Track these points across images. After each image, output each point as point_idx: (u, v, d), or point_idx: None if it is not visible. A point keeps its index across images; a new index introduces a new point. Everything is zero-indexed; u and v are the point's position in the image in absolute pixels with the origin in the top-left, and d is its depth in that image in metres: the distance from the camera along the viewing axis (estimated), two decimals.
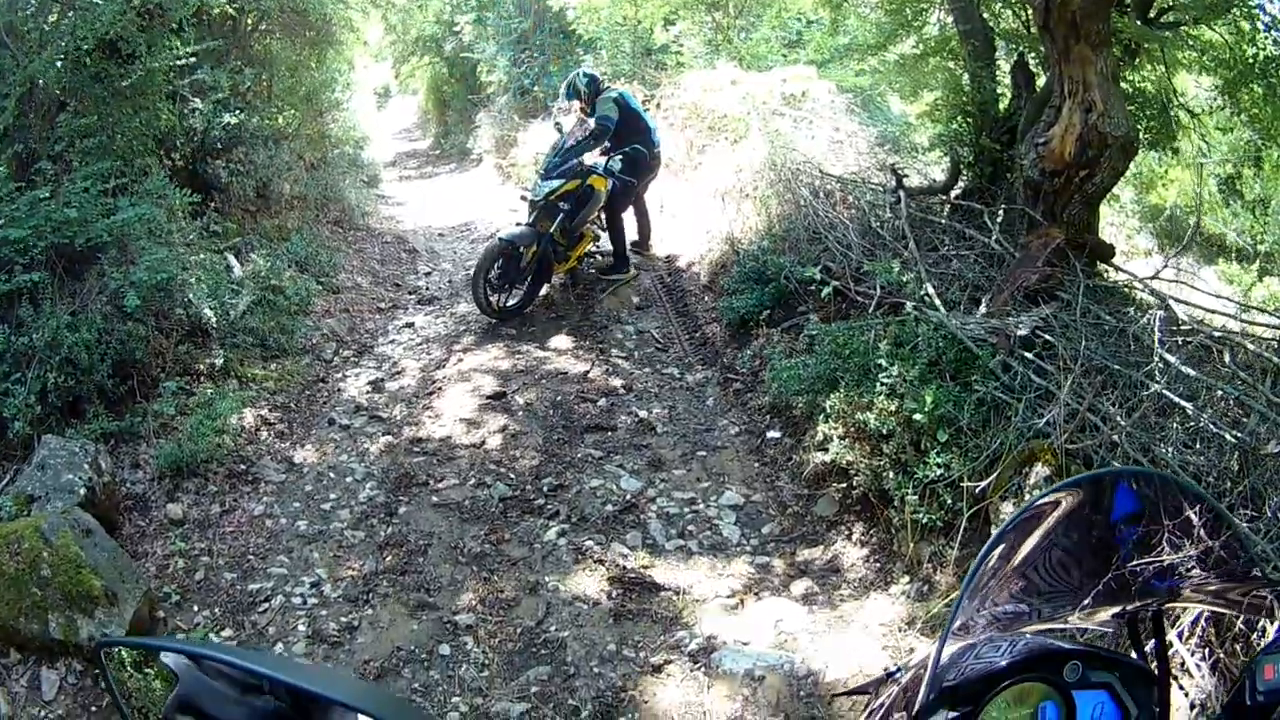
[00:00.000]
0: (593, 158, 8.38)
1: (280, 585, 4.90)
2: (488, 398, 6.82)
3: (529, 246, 8.04)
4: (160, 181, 7.27)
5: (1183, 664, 3.04)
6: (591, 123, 8.45)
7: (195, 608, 4.69)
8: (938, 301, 5.56)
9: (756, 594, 4.75)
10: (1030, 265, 5.48)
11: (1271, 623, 2.23)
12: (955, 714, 1.33)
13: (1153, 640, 1.52)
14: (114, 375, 5.80)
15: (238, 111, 8.88)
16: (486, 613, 4.63)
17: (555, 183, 8.10)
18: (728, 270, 8.33)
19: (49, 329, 5.39)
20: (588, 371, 7.28)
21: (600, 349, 7.74)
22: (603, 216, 9.15)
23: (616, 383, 7.11)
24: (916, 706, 1.28)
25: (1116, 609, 1.49)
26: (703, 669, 4.14)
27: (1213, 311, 5.48)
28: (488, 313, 8.13)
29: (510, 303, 8.31)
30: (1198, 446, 3.98)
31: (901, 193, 7.19)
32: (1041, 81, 6.65)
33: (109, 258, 6.12)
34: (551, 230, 8.09)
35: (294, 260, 9.03)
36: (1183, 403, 4.13)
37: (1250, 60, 6.00)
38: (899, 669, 1.58)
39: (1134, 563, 1.43)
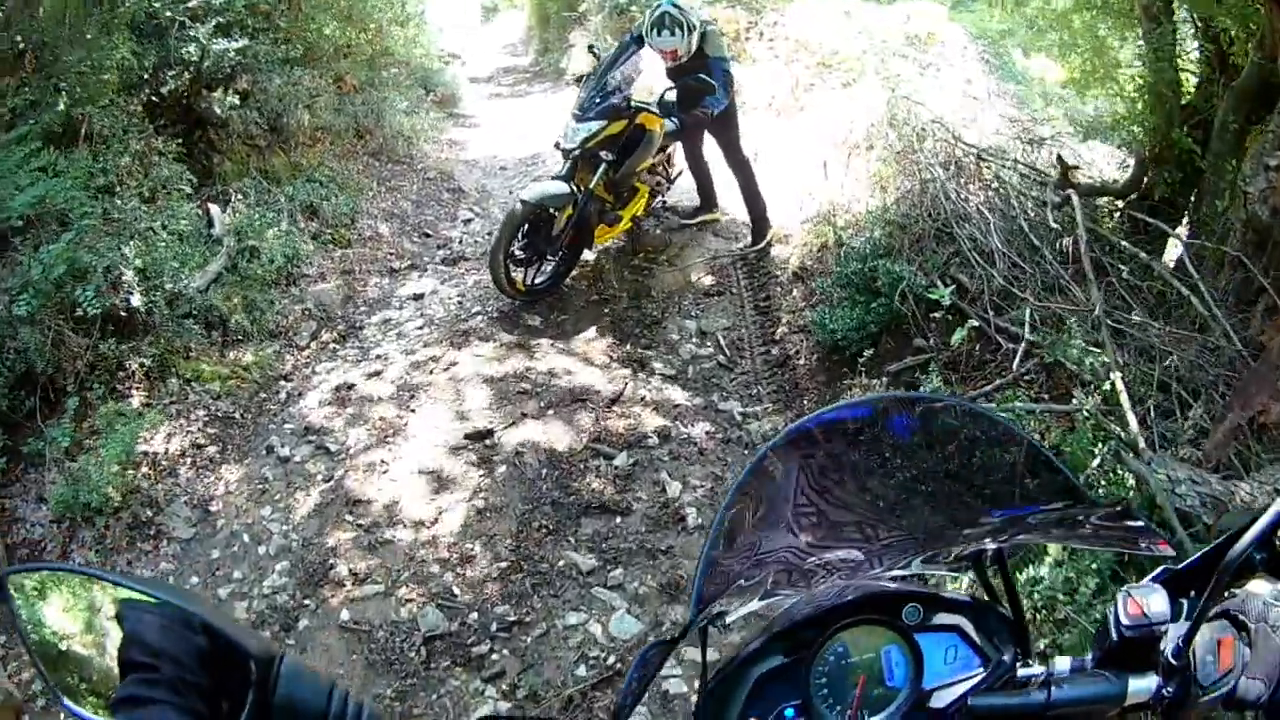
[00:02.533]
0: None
1: None
2: (468, 437, 4.87)
3: (562, 208, 6.06)
4: (119, 125, 6.17)
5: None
6: (670, 47, 6.26)
7: None
8: (1131, 419, 3.38)
9: None
10: (1269, 384, 3.19)
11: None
12: (789, 659, 1.24)
13: (1000, 579, 1.31)
14: (13, 390, 4.92)
15: (243, 35, 7.18)
16: None
17: (593, 125, 6.00)
18: (825, 261, 6.06)
19: None
20: (616, 397, 5.20)
21: (642, 358, 5.64)
22: (678, 158, 7.22)
23: (650, 421, 5.00)
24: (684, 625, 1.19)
25: (958, 550, 1.35)
26: None
27: None
28: (509, 294, 6.17)
29: (538, 280, 6.32)
30: None
31: (1075, 197, 4.79)
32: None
33: (44, 234, 5.27)
34: (592, 185, 6.12)
35: (299, 206, 7.22)
36: None
37: None
38: None
39: (956, 494, 1.37)
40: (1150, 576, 1.19)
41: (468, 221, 8.01)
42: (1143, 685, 1.11)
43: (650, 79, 6.42)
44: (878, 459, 1.39)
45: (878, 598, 1.29)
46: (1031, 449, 1.37)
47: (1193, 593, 1.13)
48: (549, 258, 6.25)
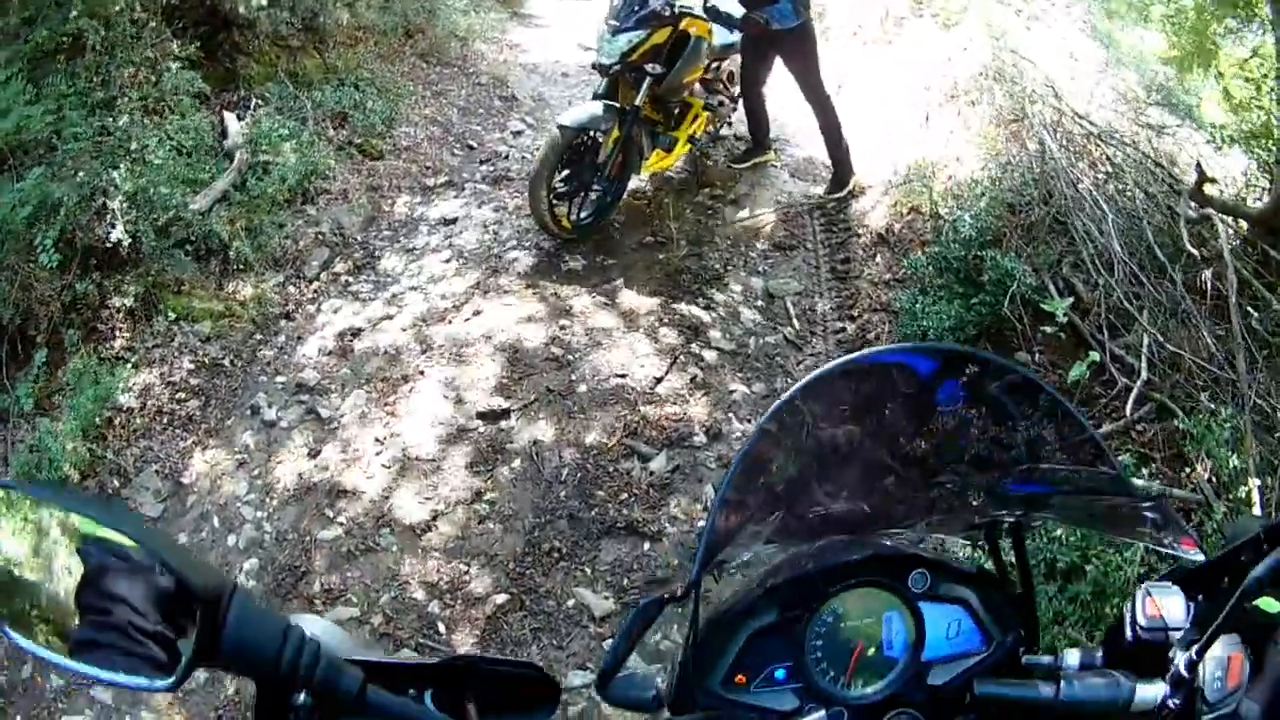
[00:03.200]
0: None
1: None
2: (480, 416, 4.08)
3: (607, 132, 5.14)
4: (126, 32, 5.41)
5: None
6: None
7: None
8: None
9: None
10: None
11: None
12: (784, 617, 1.15)
13: (1014, 555, 1.27)
14: None
15: None
16: None
17: (634, 35, 5.07)
18: (917, 228, 5.07)
19: None
20: (661, 378, 4.31)
21: (696, 324, 4.71)
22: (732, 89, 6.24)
23: (698, 412, 4.11)
24: (689, 579, 1.06)
25: (971, 518, 1.29)
26: None
27: None
28: (553, 232, 5.32)
29: (583, 215, 5.43)
30: None
31: (1220, 223, 3.85)
32: None
33: (31, 161, 4.80)
34: (638, 102, 5.16)
35: (327, 113, 6.38)
36: None
37: None
38: None
39: (980, 461, 1.23)
40: (1167, 573, 1.11)
41: (518, 134, 7.07)
42: (1149, 694, 1.04)
43: None
44: (913, 416, 1.23)
45: (883, 559, 1.20)
46: (1080, 429, 1.20)
47: (1201, 596, 1.06)
48: (594, 188, 5.37)
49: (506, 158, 6.62)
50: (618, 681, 1.09)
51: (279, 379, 4.61)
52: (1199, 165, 4.06)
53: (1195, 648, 0.99)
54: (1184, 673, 1.00)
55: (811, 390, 1.17)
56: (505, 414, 4.07)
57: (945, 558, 1.25)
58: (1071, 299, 3.94)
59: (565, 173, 5.21)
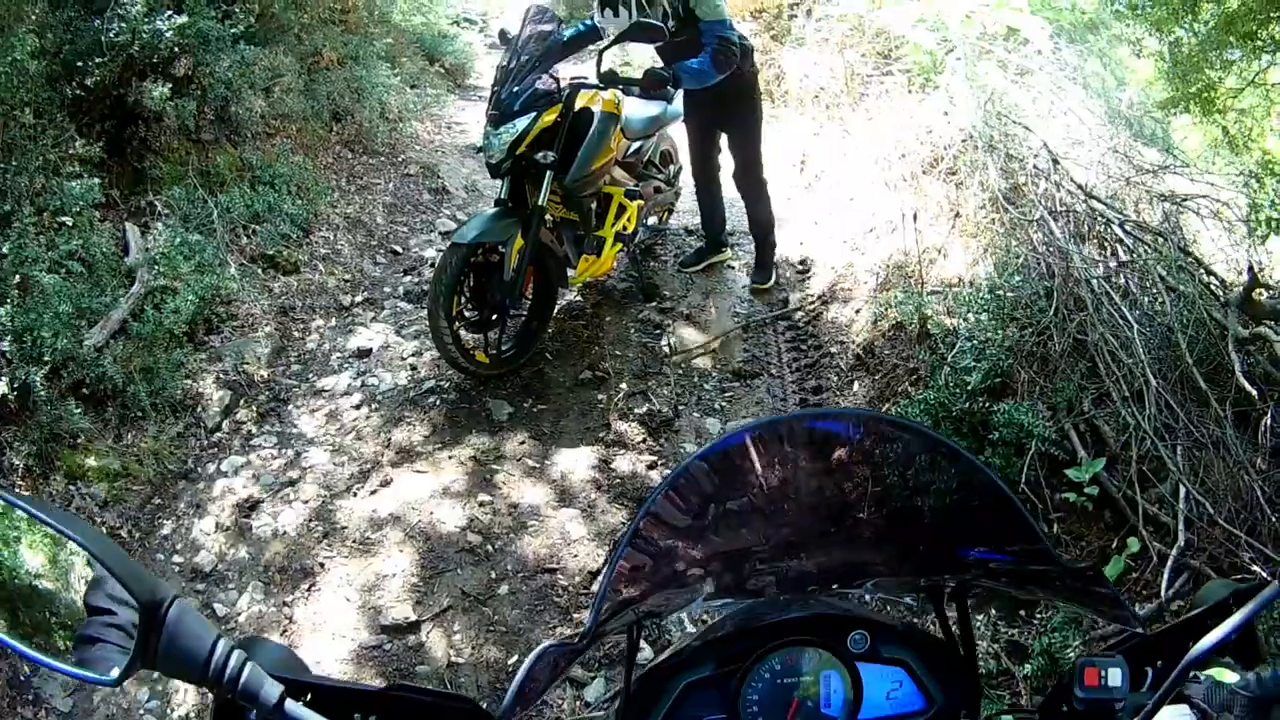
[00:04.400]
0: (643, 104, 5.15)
1: None
2: (385, 630, 3.58)
3: (510, 242, 4.58)
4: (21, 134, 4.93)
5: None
6: (620, 28, 4.69)
7: None
8: None
9: None
10: None
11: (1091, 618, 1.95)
12: (720, 671, 1.18)
13: (957, 621, 1.28)
14: None
15: (183, 9, 5.71)
16: None
17: (517, 122, 4.52)
18: (901, 348, 4.64)
19: None
20: (597, 572, 3.82)
21: (643, 491, 4.24)
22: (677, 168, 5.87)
23: None
24: (586, 629, 1.06)
25: (916, 580, 1.36)
26: None
27: None
28: (465, 369, 4.78)
29: (504, 347, 4.91)
30: None
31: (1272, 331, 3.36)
32: None
33: None
34: (541, 201, 4.61)
35: (238, 219, 5.86)
36: None
37: None
38: None
39: (923, 525, 1.27)
40: (1115, 642, 1.11)
41: (446, 234, 6.60)
42: None
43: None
44: (845, 475, 1.24)
45: (823, 618, 1.22)
46: (1008, 504, 1.19)
47: (1160, 663, 1.06)
48: (512, 312, 4.83)
49: (432, 265, 6.13)
50: None
51: (175, 559, 4.06)
52: (1251, 269, 3.53)
53: (1138, 718, 0.97)
54: None
55: (717, 454, 1.17)
56: (415, 626, 3.56)
57: (886, 618, 1.24)
58: (1100, 460, 3.45)
59: (471, 296, 4.70)
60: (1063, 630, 3.01)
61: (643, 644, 3.31)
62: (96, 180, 5.18)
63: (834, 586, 1.32)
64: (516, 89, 4.54)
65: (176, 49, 5.66)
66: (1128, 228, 4.28)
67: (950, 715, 1.20)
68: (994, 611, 3.31)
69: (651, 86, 4.52)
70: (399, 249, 6.38)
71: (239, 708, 0.89)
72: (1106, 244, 4.39)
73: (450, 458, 4.40)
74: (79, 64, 5.36)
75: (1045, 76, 5.99)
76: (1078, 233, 4.34)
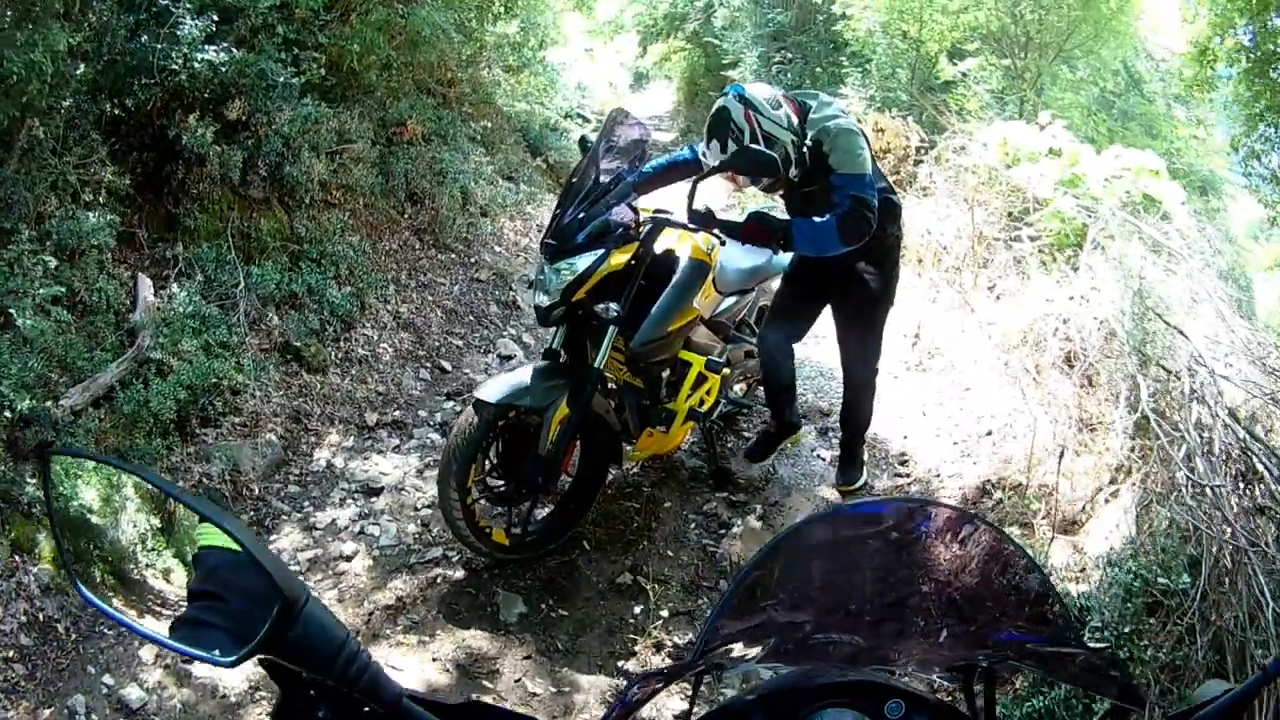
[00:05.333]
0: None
1: None
2: None
3: (549, 407, 3.63)
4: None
5: None
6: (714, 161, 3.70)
7: None
8: None
9: None
10: None
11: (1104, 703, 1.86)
12: None
13: (983, 699, 1.36)
14: None
15: (241, 44, 5.14)
16: None
17: (583, 261, 3.61)
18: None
19: None
20: None
21: None
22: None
23: None
24: (688, 660, 1.26)
25: (953, 659, 1.42)
26: None
27: None
28: (477, 549, 3.80)
29: (529, 529, 3.91)
30: None
31: None
32: None
33: None
34: (597, 362, 3.69)
35: (270, 298, 5.08)
36: None
37: None
38: None
39: (962, 608, 1.38)
40: None
41: (507, 359, 5.76)
42: None
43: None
44: (894, 554, 1.38)
45: (865, 685, 1.29)
46: (1041, 580, 1.34)
47: None
48: (545, 489, 3.82)
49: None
50: None
51: (106, 679, 3.23)
52: None
53: None
54: None
55: (796, 535, 1.36)
56: None
57: (921, 692, 1.27)
58: None
59: (497, 462, 3.78)
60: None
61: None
62: (116, 216, 4.53)
63: (877, 661, 1.36)
64: (582, 215, 3.66)
65: (232, 88, 5.00)
66: (1272, 467, 3.29)
67: None
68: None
69: (755, 237, 3.58)
70: (448, 366, 5.54)
71: (304, 706, 0.93)
72: (1244, 481, 3.40)
73: (434, 659, 3.46)
74: (126, 80, 4.71)
75: (1187, 260, 5.14)
76: (1239, 486, 3.36)
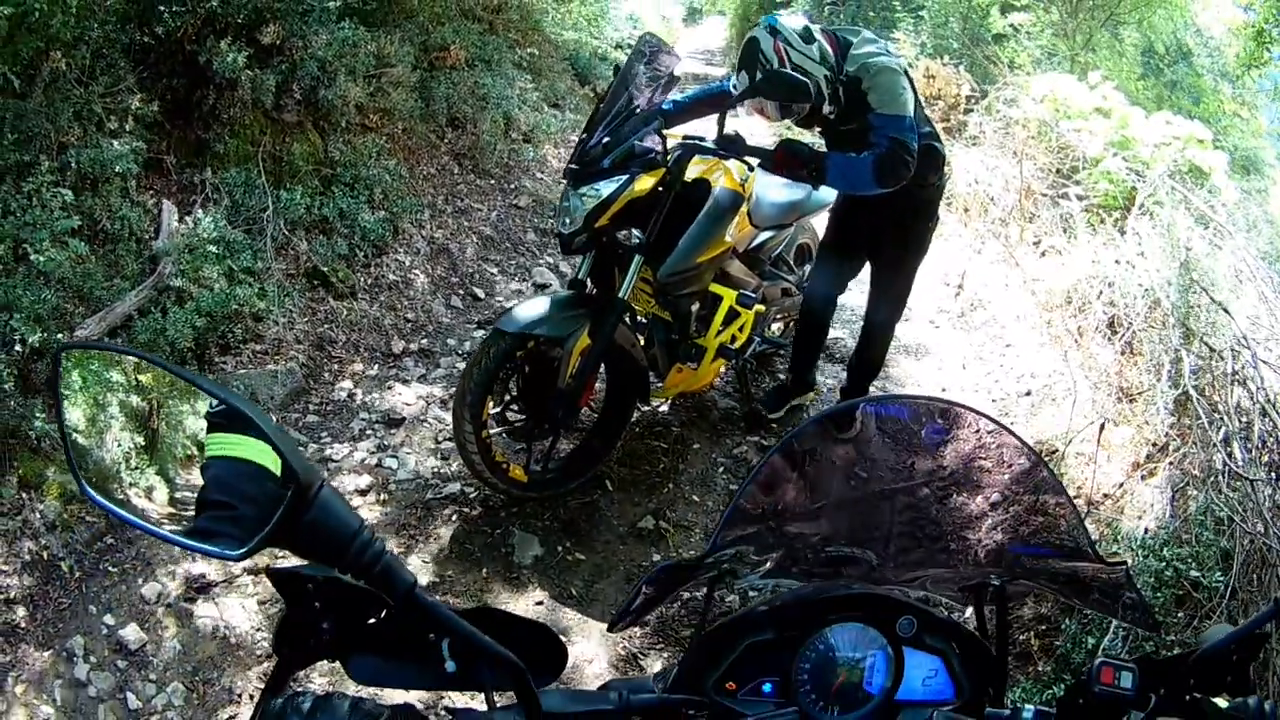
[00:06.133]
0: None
1: None
2: None
3: (570, 339, 3.44)
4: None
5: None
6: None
7: None
8: None
9: None
10: None
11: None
12: (780, 636, 1.23)
13: (995, 619, 1.34)
14: None
15: None
16: None
17: (606, 186, 3.41)
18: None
19: None
20: None
21: None
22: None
23: None
24: (705, 551, 1.20)
25: (968, 577, 1.38)
26: None
27: None
28: (491, 484, 3.65)
29: (550, 465, 3.77)
30: None
31: None
32: None
33: None
34: (622, 292, 3.50)
35: (299, 223, 4.94)
36: None
37: None
38: None
39: (983, 522, 1.38)
40: (1132, 658, 1.14)
41: (542, 287, 5.57)
42: None
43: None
44: (910, 461, 1.37)
45: (878, 600, 1.27)
46: (1063, 499, 1.31)
47: (1163, 690, 1.11)
48: (565, 424, 3.66)
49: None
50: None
51: (107, 619, 3.17)
52: None
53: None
54: None
55: (824, 427, 1.38)
56: None
57: (934, 610, 1.27)
58: None
59: (515, 396, 3.63)
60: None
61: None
62: (142, 143, 4.39)
63: (890, 579, 1.33)
64: (608, 140, 3.47)
65: (266, 13, 4.81)
66: None
67: (977, 706, 1.23)
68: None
69: (785, 164, 3.36)
70: (481, 293, 5.37)
71: (309, 619, 0.92)
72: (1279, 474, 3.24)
73: (443, 600, 3.32)
74: (156, 7, 4.55)
75: (1233, 237, 4.89)
76: (1267, 467, 3.20)
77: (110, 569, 3.36)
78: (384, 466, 3.98)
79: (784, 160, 3.35)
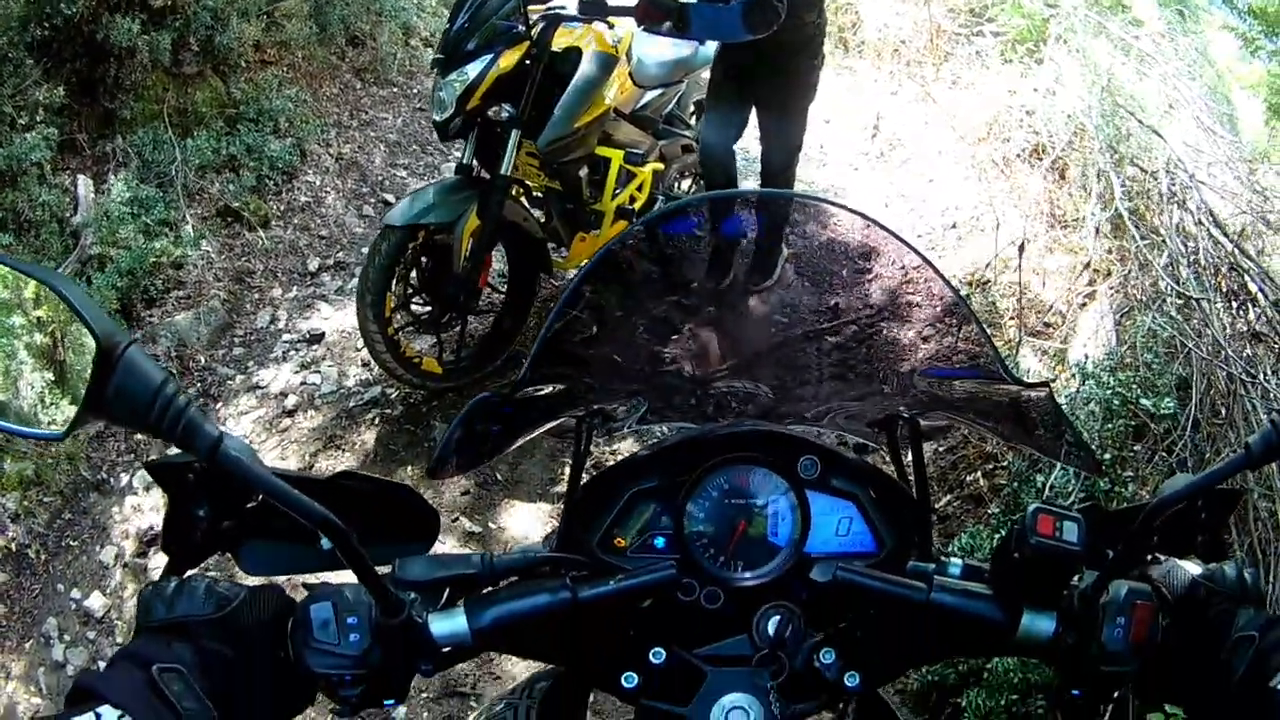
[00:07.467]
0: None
1: None
2: None
3: (460, 222, 3.59)
4: None
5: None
6: None
7: None
8: None
9: None
10: None
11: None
12: (667, 482, 1.13)
13: (910, 455, 1.22)
14: None
15: None
16: None
17: (473, 67, 3.49)
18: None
19: None
20: None
21: None
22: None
23: None
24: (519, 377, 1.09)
25: (875, 412, 1.30)
26: None
27: None
28: (405, 380, 3.93)
29: (462, 354, 4.05)
30: None
31: None
32: None
33: None
34: (504, 169, 3.60)
35: (206, 167, 5.19)
36: None
37: None
38: None
39: (884, 345, 1.32)
40: (1077, 506, 1.00)
41: None
42: (1039, 624, 0.97)
43: None
44: (799, 277, 1.42)
45: (774, 438, 1.17)
46: (960, 309, 1.24)
47: (1120, 546, 0.96)
48: (467, 307, 3.89)
49: None
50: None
51: (74, 594, 3.53)
52: None
53: (1090, 581, 0.95)
54: (1077, 604, 0.95)
55: (674, 219, 1.33)
56: None
57: (839, 450, 1.19)
58: None
59: (417, 286, 3.83)
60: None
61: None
62: (54, 130, 4.67)
63: (789, 417, 1.25)
64: (468, 24, 3.52)
65: None
66: (1268, 290, 3.16)
67: (901, 559, 1.11)
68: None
69: (647, 16, 3.30)
70: (391, 197, 5.59)
71: (189, 513, 0.92)
72: (1235, 301, 3.28)
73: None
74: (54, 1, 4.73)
75: (1162, 65, 4.86)
76: (1223, 293, 3.27)
77: (71, 543, 3.70)
78: (308, 383, 4.30)
79: (646, 13, 3.30)
